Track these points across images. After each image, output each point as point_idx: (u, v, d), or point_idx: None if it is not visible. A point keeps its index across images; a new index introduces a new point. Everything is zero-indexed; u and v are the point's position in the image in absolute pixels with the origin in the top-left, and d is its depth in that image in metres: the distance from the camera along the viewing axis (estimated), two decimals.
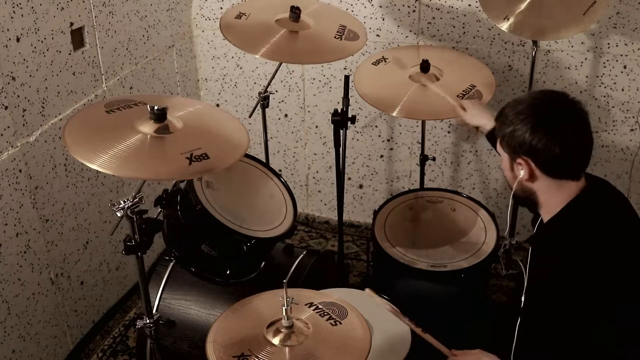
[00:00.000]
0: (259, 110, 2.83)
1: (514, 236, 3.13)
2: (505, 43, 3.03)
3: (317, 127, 3.46)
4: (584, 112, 1.84)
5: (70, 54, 2.59)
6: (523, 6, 2.59)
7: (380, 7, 3.11)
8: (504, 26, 2.60)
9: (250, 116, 2.92)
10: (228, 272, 2.35)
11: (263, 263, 2.42)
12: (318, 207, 3.67)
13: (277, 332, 1.81)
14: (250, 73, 3.42)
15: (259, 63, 3.37)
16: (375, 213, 2.79)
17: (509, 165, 1.89)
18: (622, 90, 2.97)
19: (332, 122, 2.64)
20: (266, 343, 1.79)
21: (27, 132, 2.45)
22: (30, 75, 2.42)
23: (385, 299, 2.32)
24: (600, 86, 3.00)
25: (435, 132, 3.28)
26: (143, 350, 2.30)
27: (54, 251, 2.65)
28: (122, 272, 3.10)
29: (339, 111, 2.62)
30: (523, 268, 1.95)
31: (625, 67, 2.93)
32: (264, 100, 2.78)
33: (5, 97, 2.32)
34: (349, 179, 3.51)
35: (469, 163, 3.32)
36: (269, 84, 2.79)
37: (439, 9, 3.04)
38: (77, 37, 2.63)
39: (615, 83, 2.97)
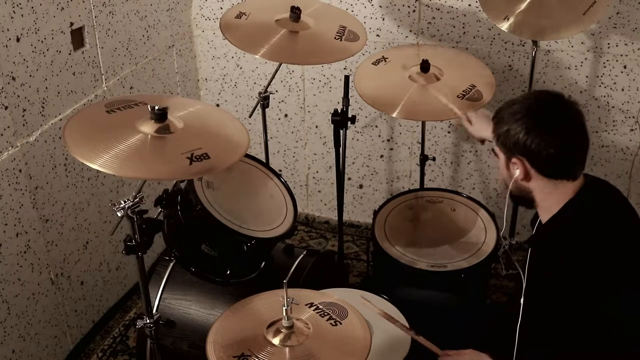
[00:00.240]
0: (259, 110, 2.83)
1: (514, 236, 3.13)
2: (505, 43, 3.03)
3: (317, 127, 3.46)
4: (579, 113, 1.85)
5: (70, 54, 2.59)
6: (523, 6, 2.59)
7: (380, 7, 3.11)
8: (504, 26, 2.60)
9: (250, 116, 2.92)
10: (228, 272, 2.35)
11: (263, 263, 2.42)
12: (318, 207, 3.67)
13: (277, 332, 1.81)
14: (250, 73, 3.42)
15: (259, 63, 3.37)
16: (375, 213, 2.79)
17: (504, 164, 1.90)
18: (622, 90, 2.97)
19: (332, 122, 2.64)
20: (266, 343, 1.79)
21: (27, 132, 2.45)
22: (30, 75, 2.42)
23: (385, 298, 2.33)
24: (600, 86, 3.00)
25: (435, 132, 3.28)
26: (143, 350, 2.30)
27: (54, 251, 2.65)
28: (122, 272, 3.10)
29: (339, 111, 2.63)
30: (520, 269, 1.96)
31: (625, 67, 2.93)
32: (264, 100, 2.78)
33: (5, 97, 2.32)
34: (349, 179, 3.51)
35: (469, 163, 3.32)
36: (269, 84, 2.79)
37: (439, 9, 3.04)
38: (77, 37, 2.63)
39: (615, 83, 2.97)
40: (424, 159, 3.03)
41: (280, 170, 3.57)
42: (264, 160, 2.71)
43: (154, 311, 2.20)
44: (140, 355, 2.45)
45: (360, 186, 3.53)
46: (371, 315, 2.01)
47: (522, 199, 1.93)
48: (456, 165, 3.34)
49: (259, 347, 1.78)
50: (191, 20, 3.38)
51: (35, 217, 2.53)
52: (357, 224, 3.62)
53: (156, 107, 1.84)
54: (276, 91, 3.34)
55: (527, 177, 1.85)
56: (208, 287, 2.42)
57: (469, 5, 2.99)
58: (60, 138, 2.58)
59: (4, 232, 2.40)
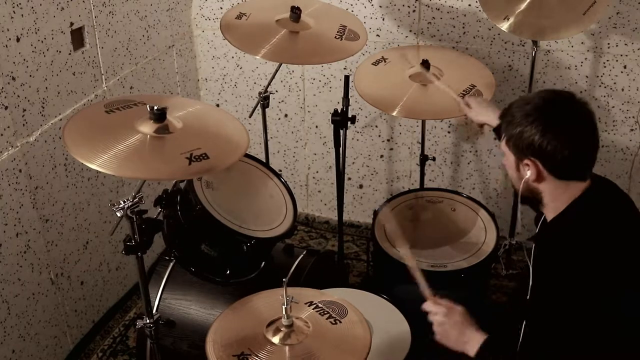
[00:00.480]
0: (259, 110, 2.83)
1: (514, 236, 3.13)
2: (505, 43, 3.03)
3: (317, 127, 3.46)
4: (591, 114, 1.84)
5: (70, 54, 2.59)
6: (523, 6, 2.59)
7: (380, 7, 3.11)
8: (504, 26, 2.60)
9: (250, 116, 2.92)
10: (228, 272, 2.35)
11: (263, 263, 2.42)
12: (318, 207, 3.67)
13: (277, 331, 1.81)
14: (250, 73, 3.42)
15: (259, 63, 3.37)
16: (375, 213, 2.79)
17: (514, 165, 1.88)
18: (622, 90, 2.97)
19: (332, 122, 2.64)
20: (266, 342, 1.79)
21: (27, 132, 2.45)
22: (30, 75, 2.42)
23: (385, 298, 2.33)
24: (600, 86, 3.00)
25: (435, 132, 3.28)
26: (143, 350, 2.30)
27: (54, 251, 2.65)
28: (122, 272, 3.10)
29: (339, 111, 2.63)
30: (530, 266, 1.95)
31: (625, 67, 2.93)
32: (264, 100, 2.78)
33: (5, 97, 2.32)
34: (349, 179, 3.51)
35: (469, 163, 3.32)
36: (269, 84, 2.79)
37: (439, 9, 3.04)
38: (77, 37, 2.63)
39: (615, 83, 2.97)
40: (424, 159, 3.03)
41: (280, 170, 3.57)
42: (264, 160, 2.71)
43: (154, 311, 2.20)
44: (140, 355, 2.45)
45: (360, 186, 3.53)
46: (371, 315, 2.01)
47: (531, 200, 1.92)
48: (456, 165, 3.34)
49: (259, 346, 1.78)
50: (191, 20, 3.39)
51: (35, 217, 2.53)
52: (357, 224, 3.62)
53: (155, 107, 1.84)
54: (276, 91, 3.34)
55: (539, 178, 1.84)
56: (208, 287, 2.42)
57: (469, 5, 2.99)
58: (60, 138, 2.58)
59: (4, 232, 2.40)
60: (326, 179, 3.57)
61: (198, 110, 2.04)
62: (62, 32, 2.53)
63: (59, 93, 2.57)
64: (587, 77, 2.99)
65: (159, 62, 3.16)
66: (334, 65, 3.27)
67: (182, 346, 2.42)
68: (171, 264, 2.46)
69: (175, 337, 2.41)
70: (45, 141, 2.53)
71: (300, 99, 3.41)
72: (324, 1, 2.91)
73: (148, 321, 2.12)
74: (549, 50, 2.98)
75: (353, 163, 3.47)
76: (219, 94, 3.53)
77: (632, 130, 3.03)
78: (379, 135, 3.38)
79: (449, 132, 3.27)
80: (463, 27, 3.04)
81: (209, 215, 2.23)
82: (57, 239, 2.66)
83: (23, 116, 2.42)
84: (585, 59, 2.96)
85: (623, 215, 1.89)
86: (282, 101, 3.44)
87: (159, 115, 1.85)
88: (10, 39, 2.30)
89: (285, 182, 2.52)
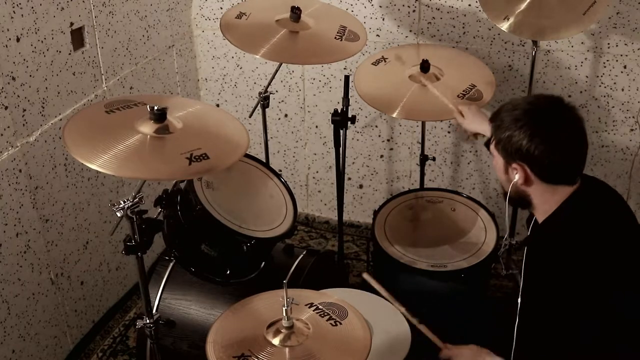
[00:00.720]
0: (259, 110, 2.83)
1: (514, 236, 3.13)
2: (505, 43, 3.03)
3: (317, 127, 3.46)
4: (580, 118, 1.85)
5: (70, 54, 2.59)
6: (523, 6, 2.59)
7: (380, 7, 3.11)
8: (504, 26, 2.60)
9: (250, 116, 2.92)
10: (228, 272, 2.35)
11: (263, 263, 2.42)
12: (318, 207, 3.67)
13: (277, 333, 1.81)
14: (250, 73, 3.42)
15: (259, 63, 3.37)
16: (375, 213, 2.79)
17: (503, 168, 1.90)
18: (622, 90, 2.97)
19: (332, 122, 2.64)
20: (266, 343, 1.79)
21: (27, 132, 2.45)
22: (30, 75, 2.42)
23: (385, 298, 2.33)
24: (600, 86, 3.00)
25: (435, 132, 3.28)
26: (143, 350, 2.30)
27: (54, 251, 2.65)
28: (122, 272, 3.10)
29: (339, 111, 2.63)
30: (518, 270, 1.97)
31: (625, 67, 2.93)
32: (264, 100, 2.78)
33: (5, 97, 2.32)
34: (349, 179, 3.51)
35: (469, 163, 3.32)
36: (269, 84, 2.79)
37: (439, 9, 3.04)
38: (77, 37, 2.63)
39: (615, 83, 2.97)
40: (424, 159, 3.03)
41: (280, 170, 3.57)
42: (264, 160, 2.71)
43: (154, 311, 2.20)
44: (140, 355, 2.45)
45: (360, 186, 3.53)
46: (371, 316, 2.01)
47: (520, 202, 1.94)
48: (456, 165, 3.34)
49: (259, 347, 1.78)
50: (191, 20, 3.38)
51: (35, 217, 2.53)
52: (357, 224, 3.62)
53: (155, 108, 1.84)
54: (276, 91, 3.34)
55: (527, 182, 1.85)
56: (208, 287, 2.42)
57: (469, 5, 2.99)
58: (60, 138, 2.58)
59: (4, 232, 2.40)
60: (326, 179, 3.57)
61: (198, 110, 2.04)
62: (62, 32, 2.53)
63: (59, 93, 2.56)
64: (587, 77, 2.99)
65: (159, 62, 3.16)
66: (334, 65, 3.27)
67: (182, 346, 2.42)
68: (171, 264, 2.46)
69: (175, 337, 2.41)
70: (45, 141, 2.53)
71: (300, 99, 3.41)
72: (324, 1, 2.91)
73: (148, 321, 2.12)
74: (549, 50, 2.98)
75: (353, 163, 3.47)
76: (219, 94, 3.53)
77: (632, 130, 3.03)
78: (379, 135, 3.38)
79: (449, 132, 3.27)
80: (463, 27, 3.04)
81: (209, 215, 2.23)
82: (57, 239, 2.66)
83: (23, 116, 2.41)
84: (585, 59, 2.96)
85: (613, 215, 1.90)
86: (282, 101, 3.44)
87: (159, 116, 1.85)
88: (10, 39, 2.30)
89: (285, 182, 2.52)
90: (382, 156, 3.43)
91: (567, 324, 1.78)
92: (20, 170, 2.43)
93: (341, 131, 2.67)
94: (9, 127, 2.36)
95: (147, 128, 1.84)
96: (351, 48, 2.58)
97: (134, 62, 2.98)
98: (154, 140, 1.83)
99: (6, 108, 2.33)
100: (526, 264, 1.91)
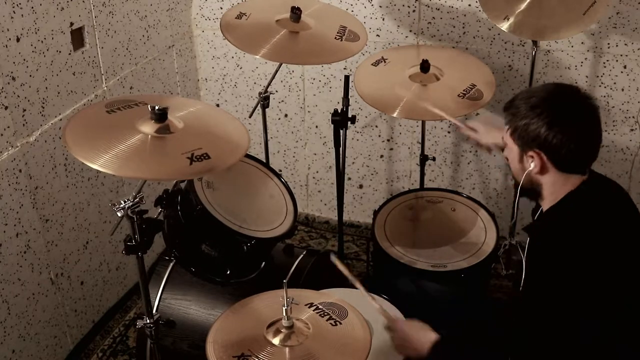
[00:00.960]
0: (259, 110, 2.83)
1: (514, 236, 3.13)
2: (505, 43, 3.03)
3: (317, 127, 3.46)
4: (596, 107, 1.87)
5: (70, 54, 2.59)
6: (523, 6, 2.59)
7: (380, 7, 3.11)
8: (504, 26, 2.60)
9: (250, 116, 2.92)
10: (228, 272, 2.35)
11: (263, 263, 2.42)
12: (318, 207, 3.67)
13: (277, 332, 1.81)
14: (250, 73, 3.42)
15: (259, 63, 3.37)
16: (375, 213, 2.79)
17: (518, 156, 1.90)
18: (622, 90, 2.97)
19: (332, 122, 2.64)
20: (266, 343, 1.79)
21: (27, 132, 2.45)
22: (30, 75, 2.42)
23: (385, 298, 2.33)
24: (600, 86, 3.00)
25: (435, 132, 3.28)
26: (143, 350, 2.30)
27: (54, 251, 2.65)
28: (122, 272, 3.10)
29: (339, 111, 2.63)
30: (523, 257, 1.96)
31: (625, 67, 2.93)
32: (264, 100, 2.78)
33: (5, 97, 2.32)
34: (349, 179, 3.51)
35: (469, 163, 3.32)
36: (269, 84, 2.79)
37: (439, 9, 3.04)
38: (77, 37, 2.63)
39: (615, 83, 2.97)
40: (424, 159, 3.03)
41: (280, 170, 3.57)
42: (264, 160, 2.71)
43: (154, 311, 2.20)
44: (140, 355, 2.45)
45: (360, 186, 3.53)
46: (371, 315, 2.01)
47: (531, 192, 1.94)
48: (456, 165, 3.34)
49: (259, 347, 1.78)
50: (191, 20, 3.38)
51: (35, 217, 2.53)
52: (357, 224, 3.62)
53: (156, 107, 1.84)
54: (276, 91, 3.34)
55: (542, 170, 1.86)
56: (208, 287, 2.42)
57: (469, 5, 2.99)
58: (60, 138, 2.58)
59: (4, 232, 2.40)
60: (326, 179, 3.57)
61: (199, 110, 2.04)
62: (62, 32, 2.53)
63: (59, 93, 2.56)
64: (587, 77, 2.99)
65: (159, 62, 3.16)
66: (334, 65, 3.27)
67: (182, 346, 2.42)
68: (171, 264, 2.46)
69: (175, 337, 2.41)
70: (45, 141, 2.53)
71: (300, 99, 3.41)
72: (324, 1, 2.91)
73: (148, 321, 2.12)
74: (549, 50, 2.98)
75: (353, 163, 3.47)
76: (219, 94, 3.53)
77: (632, 130, 3.03)
78: (379, 135, 3.38)
79: (449, 132, 3.27)
80: (463, 27, 3.04)
81: (210, 215, 2.23)
82: (57, 239, 2.66)
83: (23, 116, 2.41)
84: (585, 59, 2.96)
85: (619, 206, 1.92)
86: (282, 101, 3.44)
87: (160, 115, 1.85)
88: (10, 39, 2.30)
89: (285, 182, 2.52)
90: (382, 156, 3.43)
91: (567, 317, 1.78)
92: (20, 170, 2.43)
93: (341, 131, 2.67)
94: (9, 127, 2.36)
95: (148, 128, 1.84)
96: (351, 48, 2.58)
97: (134, 62, 2.98)
98: (155, 140, 1.83)
99: (6, 108, 2.33)
100: (529, 252, 1.91)
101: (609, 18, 2.85)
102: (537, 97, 1.85)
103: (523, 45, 3.00)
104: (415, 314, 2.17)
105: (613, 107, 3.01)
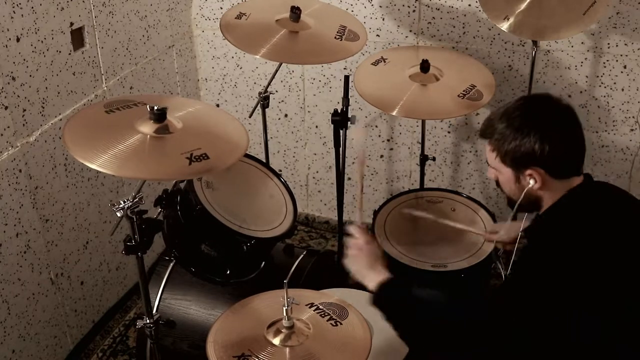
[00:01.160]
0: (259, 110, 2.83)
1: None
2: (505, 43, 3.03)
3: (317, 127, 3.46)
4: (571, 107, 1.89)
5: (70, 54, 2.59)
6: (523, 6, 2.59)
7: (380, 7, 3.11)
8: (504, 26, 2.60)
9: (250, 116, 2.92)
10: (228, 272, 2.35)
11: (263, 263, 2.42)
12: (318, 207, 3.67)
13: (277, 333, 1.81)
14: (250, 73, 3.42)
15: (259, 63, 3.37)
16: (375, 213, 2.79)
17: (513, 179, 1.90)
18: (622, 90, 2.97)
19: (332, 122, 2.64)
20: (267, 343, 1.79)
21: (27, 132, 2.45)
22: (30, 75, 2.42)
23: None
24: (600, 86, 2.99)
25: (435, 132, 3.28)
26: (143, 350, 2.30)
27: (54, 251, 2.65)
28: (122, 272, 3.10)
29: (339, 111, 2.63)
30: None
31: (625, 67, 2.93)
32: (264, 100, 2.78)
33: (5, 97, 2.32)
34: (349, 179, 3.50)
35: (469, 163, 3.32)
36: (269, 84, 2.79)
37: (439, 9, 3.04)
38: (77, 37, 2.63)
39: (615, 83, 2.97)
40: (424, 159, 3.03)
41: (280, 170, 3.57)
42: (264, 160, 2.71)
43: (154, 311, 2.20)
44: (140, 355, 2.45)
45: None
46: (371, 315, 2.01)
47: (530, 206, 1.95)
48: (456, 165, 3.34)
49: (260, 347, 1.78)
50: (191, 20, 3.39)
51: (35, 217, 2.53)
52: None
53: (155, 108, 1.84)
54: (276, 91, 3.34)
55: (543, 185, 1.87)
56: (208, 287, 2.42)
57: (469, 5, 2.99)
58: (60, 138, 2.58)
59: (4, 232, 2.40)
60: (326, 179, 3.57)
61: (198, 110, 2.04)
62: (62, 32, 2.53)
63: (59, 93, 2.56)
64: (587, 77, 2.99)
65: (159, 62, 3.16)
66: (334, 65, 3.27)
67: (182, 346, 2.42)
68: (171, 264, 2.46)
69: (175, 337, 2.41)
70: (45, 141, 2.53)
71: (300, 99, 3.41)
72: (324, 1, 2.91)
73: (148, 321, 2.12)
74: (549, 50, 2.98)
75: (353, 163, 3.46)
76: (219, 94, 3.53)
77: (632, 130, 3.03)
78: (379, 135, 3.38)
79: (449, 132, 3.27)
80: (463, 27, 3.04)
81: (209, 216, 2.23)
82: (57, 239, 2.66)
83: (23, 116, 2.41)
84: (585, 59, 2.96)
85: (618, 204, 1.92)
86: (282, 101, 3.44)
87: (159, 116, 1.85)
88: (10, 39, 2.30)
89: (285, 182, 2.52)
90: (382, 156, 3.43)
91: (564, 316, 1.77)
92: (20, 170, 2.43)
93: (341, 131, 2.67)
94: (9, 127, 2.36)
95: (147, 128, 1.84)
96: (351, 48, 2.58)
97: (134, 62, 2.98)
98: (154, 140, 1.83)
99: (6, 108, 2.33)
100: (528, 251, 1.90)
101: (609, 18, 2.85)
102: (516, 116, 1.86)
103: (523, 45, 3.00)
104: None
105: (613, 107, 3.01)
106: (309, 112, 3.43)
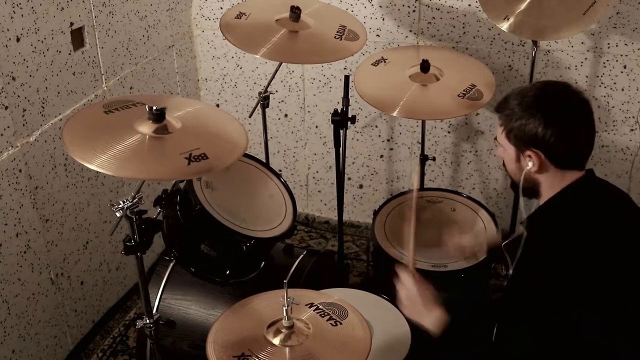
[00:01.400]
0: (259, 110, 2.83)
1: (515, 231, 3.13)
2: (505, 43, 3.03)
3: (317, 127, 3.46)
4: (587, 102, 1.89)
5: (70, 54, 2.59)
6: (523, 6, 2.59)
7: (380, 7, 3.11)
8: (504, 26, 2.60)
9: (250, 116, 2.92)
10: (228, 272, 2.35)
11: (263, 263, 2.42)
12: (318, 207, 3.67)
13: (277, 333, 1.81)
14: (250, 73, 3.42)
15: (259, 63, 3.37)
16: (375, 213, 2.79)
17: (514, 157, 1.90)
18: (622, 90, 2.97)
19: (332, 122, 2.64)
20: (266, 343, 1.79)
21: (27, 132, 2.45)
22: (30, 75, 2.42)
23: (385, 298, 2.33)
24: (600, 86, 2.99)
25: (435, 132, 3.28)
26: (143, 350, 2.30)
27: (54, 251, 2.65)
28: (122, 272, 3.10)
29: (339, 111, 2.63)
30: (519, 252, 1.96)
31: (625, 67, 2.93)
32: (264, 100, 2.78)
33: (5, 97, 2.32)
34: (349, 179, 3.51)
35: (469, 163, 3.32)
36: (269, 84, 2.79)
37: (439, 9, 3.04)
38: (77, 37, 2.63)
39: (615, 83, 2.97)
40: (424, 159, 3.03)
41: (280, 170, 3.57)
42: (264, 160, 2.71)
43: (154, 311, 2.20)
44: (140, 355, 2.45)
45: (360, 186, 3.53)
46: (371, 315, 2.01)
47: (529, 190, 1.95)
48: (456, 165, 3.34)
49: (259, 347, 1.78)
50: (191, 20, 3.39)
51: (35, 217, 2.53)
52: (357, 224, 3.62)
53: (154, 108, 1.84)
54: (276, 91, 3.34)
55: (540, 168, 1.86)
56: (208, 287, 2.42)
57: (469, 5, 2.99)
58: (60, 138, 2.58)
59: (4, 232, 2.40)
60: (326, 179, 3.57)
61: (197, 110, 2.04)
62: (62, 32, 2.53)
63: (59, 93, 2.57)
64: (587, 77, 2.99)
65: (159, 62, 3.16)
66: (334, 65, 3.27)
67: (182, 346, 2.42)
68: (171, 264, 2.46)
69: (175, 337, 2.42)
70: (45, 141, 2.53)
71: (300, 99, 3.41)
72: (324, 1, 2.91)
73: (148, 321, 2.12)
74: (549, 50, 2.98)
75: (353, 163, 3.47)
76: (219, 94, 3.53)
77: (632, 130, 3.03)
78: (379, 135, 3.38)
79: (449, 132, 3.27)
80: (463, 27, 3.04)
81: (209, 215, 2.23)
82: (57, 239, 2.66)
83: (23, 116, 2.42)
84: (585, 59, 2.96)
85: (617, 201, 1.91)
86: (282, 101, 3.44)
87: (158, 116, 1.85)
88: (10, 39, 2.30)
89: (285, 182, 2.52)
90: (382, 156, 3.43)
91: (564, 312, 1.77)
92: (20, 170, 2.43)
93: (341, 131, 2.67)
94: (9, 127, 2.36)
95: (146, 128, 1.84)
96: (351, 47, 2.58)
97: (134, 62, 2.98)
98: (153, 140, 1.82)
99: (6, 108, 2.33)
100: (527, 244, 1.90)
101: (609, 18, 2.85)
102: (529, 96, 1.86)
103: (523, 45, 3.00)
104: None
105: (613, 107, 3.01)
106: (309, 112, 3.43)
